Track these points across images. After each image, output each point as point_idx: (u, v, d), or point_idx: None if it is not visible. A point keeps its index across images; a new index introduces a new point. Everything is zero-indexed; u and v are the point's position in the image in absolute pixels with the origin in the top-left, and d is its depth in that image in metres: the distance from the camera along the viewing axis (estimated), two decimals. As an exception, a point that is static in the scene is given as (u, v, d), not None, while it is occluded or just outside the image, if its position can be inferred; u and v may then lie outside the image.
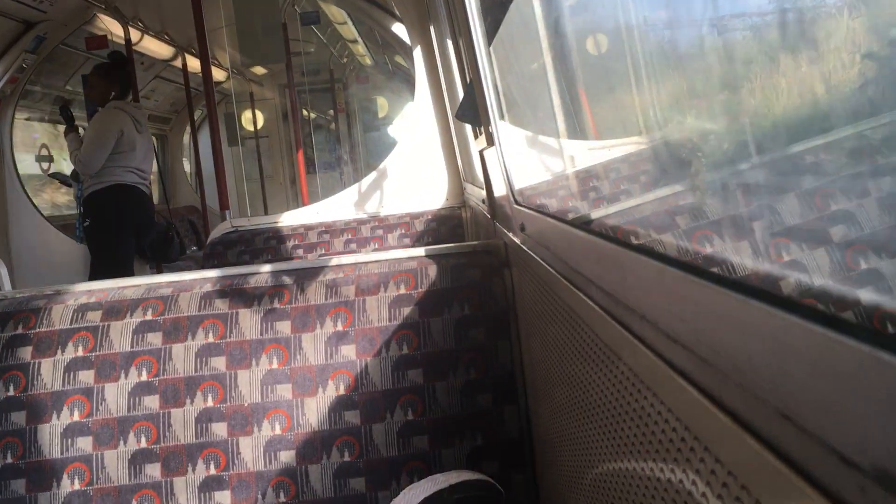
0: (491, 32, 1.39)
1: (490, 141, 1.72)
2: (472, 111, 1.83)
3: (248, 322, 1.70)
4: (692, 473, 0.52)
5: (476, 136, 2.10)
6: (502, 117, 1.66)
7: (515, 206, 1.52)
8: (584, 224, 0.90)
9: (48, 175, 6.22)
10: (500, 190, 1.82)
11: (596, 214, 0.96)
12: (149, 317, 1.71)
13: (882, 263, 0.47)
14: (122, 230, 4.79)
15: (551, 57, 1.51)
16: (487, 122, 1.71)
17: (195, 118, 7.80)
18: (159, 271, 5.86)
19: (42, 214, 5.57)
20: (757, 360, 0.41)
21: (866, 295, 0.36)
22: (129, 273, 4.87)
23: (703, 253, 0.57)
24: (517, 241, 1.56)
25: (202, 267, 3.80)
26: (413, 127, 4.04)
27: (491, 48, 1.57)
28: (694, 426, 0.51)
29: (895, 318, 0.33)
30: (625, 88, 1.23)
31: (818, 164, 0.59)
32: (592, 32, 1.44)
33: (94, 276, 4.79)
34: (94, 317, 1.71)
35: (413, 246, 3.66)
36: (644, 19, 1.15)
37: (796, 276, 0.43)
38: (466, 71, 2.21)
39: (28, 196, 5.44)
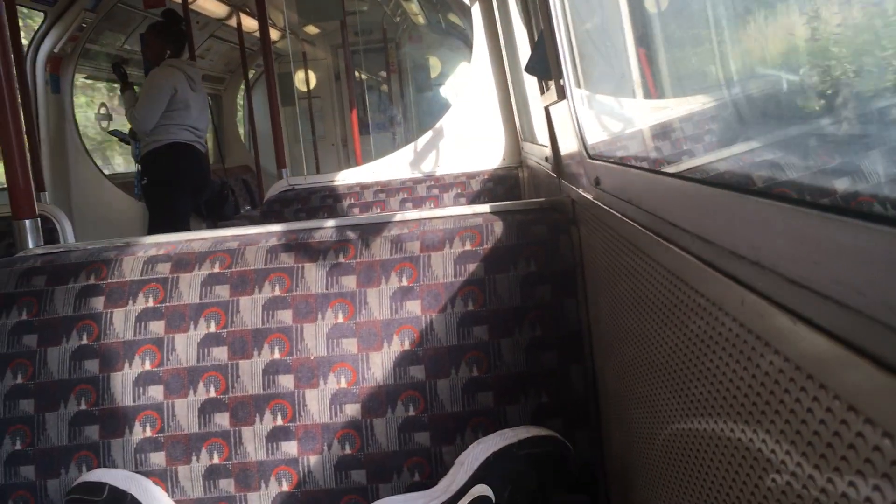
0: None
1: (561, 94, 1.68)
2: (542, 64, 1.78)
3: (314, 276, 1.70)
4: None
5: (543, 92, 2.06)
6: (575, 70, 1.62)
7: (589, 160, 1.48)
8: (678, 172, 0.87)
9: (107, 132, 6.32)
10: (569, 145, 1.79)
11: (688, 161, 0.92)
12: (216, 269, 1.73)
13: None
14: (178, 188, 4.86)
15: (626, 9, 1.47)
16: (559, 76, 1.67)
17: (249, 78, 7.84)
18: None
19: (103, 173, 5.68)
20: None
21: None
22: (186, 230, 4.95)
23: (827, 185, 0.53)
24: (589, 196, 1.53)
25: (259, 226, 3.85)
26: (469, 86, 4.00)
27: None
28: (822, 375, 0.48)
29: None
30: (705, 42, 1.18)
31: None
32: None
33: (151, 233, 4.89)
34: (164, 269, 1.73)
35: (470, 205, 3.64)
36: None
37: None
38: (534, 24, 2.16)
39: (89, 154, 5.54)
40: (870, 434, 0.44)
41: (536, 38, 2.05)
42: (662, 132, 1.34)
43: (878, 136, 0.56)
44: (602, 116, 1.66)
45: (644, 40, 1.46)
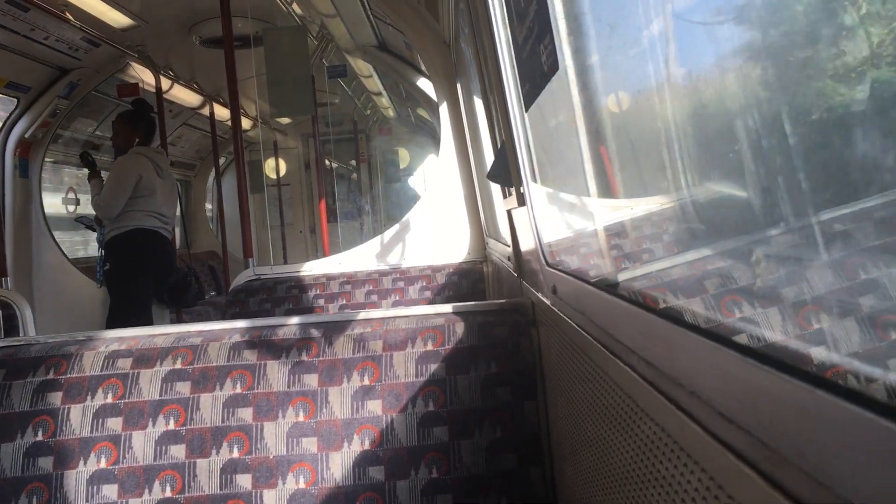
0: (529, 99, 1.42)
1: (521, 201, 1.74)
2: (504, 172, 1.85)
3: (276, 374, 1.71)
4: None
5: (505, 196, 2.13)
6: (534, 179, 1.68)
7: (547, 267, 1.53)
8: (622, 290, 0.91)
9: (74, 219, 6.31)
10: (528, 250, 1.84)
11: (633, 278, 0.97)
12: (178, 365, 1.72)
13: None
14: (140, 274, 4.84)
15: (584, 121, 1.54)
16: (519, 184, 1.73)
17: (219, 165, 7.92)
18: (178, 316, 5.89)
19: (67, 258, 5.64)
20: (823, 449, 0.42)
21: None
22: (146, 316, 4.91)
23: (759, 334, 0.58)
24: (547, 301, 1.57)
25: (224, 313, 3.83)
26: (436, 180, 4.09)
27: (527, 114, 1.60)
28: (742, 499, 0.51)
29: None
30: (658, 152, 1.25)
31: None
32: (627, 90, 1.47)
33: (111, 318, 4.84)
34: (125, 364, 1.73)
35: (434, 299, 3.68)
36: (673, 80, 1.18)
37: (864, 365, 0.44)
38: (497, 132, 2.25)
39: (54, 239, 5.52)
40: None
41: (499, 147, 2.13)
42: (616, 246, 1.39)
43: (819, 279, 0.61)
44: (560, 225, 1.72)
45: (599, 149, 1.53)
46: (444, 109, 3.97)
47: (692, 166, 1.16)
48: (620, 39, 1.47)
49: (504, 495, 1.64)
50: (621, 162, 1.46)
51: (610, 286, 1.00)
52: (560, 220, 1.74)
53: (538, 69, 1.14)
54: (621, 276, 1.04)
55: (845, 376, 0.43)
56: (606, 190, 1.49)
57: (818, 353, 0.46)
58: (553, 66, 1.05)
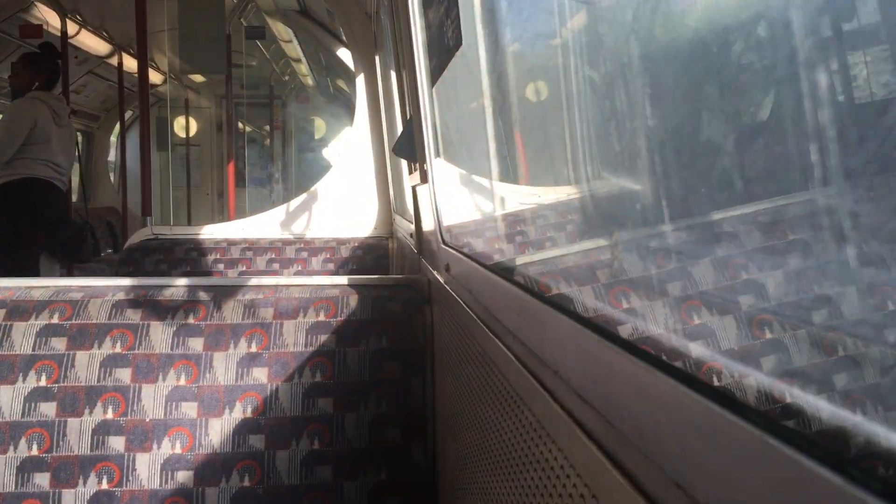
0: (435, 74, 1.41)
1: (424, 178, 1.74)
2: (409, 147, 1.84)
3: (159, 335, 1.66)
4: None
5: (410, 172, 2.12)
6: (438, 156, 1.68)
7: (443, 245, 1.54)
8: (507, 273, 0.92)
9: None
10: (428, 227, 1.84)
11: (519, 264, 0.98)
12: (55, 320, 1.65)
13: (788, 344, 0.50)
14: (30, 225, 4.62)
15: (490, 102, 1.55)
16: (423, 160, 1.73)
17: (125, 119, 7.61)
18: (69, 271, 5.66)
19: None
20: (658, 429, 0.43)
21: (764, 377, 0.39)
22: (33, 269, 4.69)
23: (618, 318, 0.59)
24: (441, 280, 1.58)
25: (116, 272, 3.70)
26: (348, 153, 4.05)
27: (434, 89, 1.60)
28: (593, 483, 0.53)
29: (787, 405, 0.35)
30: (560, 139, 1.27)
31: (737, 233, 0.62)
32: (534, 80, 1.49)
33: (-2, 268, 4.60)
34: None
35: (337, 272, 3.64)
36: (584, 70, 1.19)
37: (702, 351, 0.45)
38: (407, 107, 2.23)
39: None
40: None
41: (407, 121, 2.12)
42: (505, 226, 1.41)
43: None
44: (459, 202, 1.72)
45: (503, 132, 1.54)
46: (360, 81, 3.92)
47: (591, 160, 1.18)
48: (533, 25, 1.48)
49: (384, 470, 1.64)
50: (525, 149, 1.48)
51: (496, 267, 1.01)
52: (461, 200, 1.75)
53: (444, 44, 1.13)
54: (509, 260, 1.05)
55: (685, 362, 0.45)
56: (508, 176, 1.50)
57: (666, 340, 0.47)
58: (457, 41, 1.05)
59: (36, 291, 1.72)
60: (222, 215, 8.54)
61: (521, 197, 1.41)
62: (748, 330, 0.54)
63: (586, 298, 0.71)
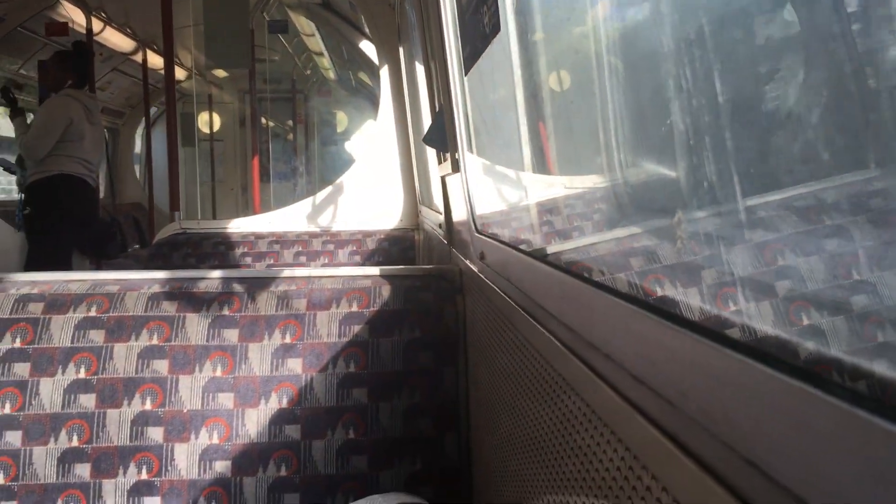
0: (469, 62, 1.41)
1: (455, 167, 1.74)
2: (440, 137, 1.84)
3: (195, 327, 1.67)
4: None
5: (440, 162, 2.11)
6: (470, 145, 1.68)
7: (476, 234, 1.53)
8: (549, 258, 0.92)
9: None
10: (460, 217, 1.84)
11: (561, 249, 0.97)
12: (93, 313, 1.67)
13: (864, 321, 0.49)
14: (62, 222, 4.66)
15: (523, 90, 1.54)
16: (455, 149, 1.73)
17: (150, 115, 7.68)
18: (98, 268, 5.72)
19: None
20: (727, 408, 0.42)
21: (845, 352, 0.38)
22: (66, 266, 4.74)
23: (673, 297, 0.58)
24: (474, 268, 1.57)
25: (146, 267, 3.73)
26: (373, 145, 4.05)
27: (466, 78, 1.59)
28: (656, 467, 0.52)
29: (874, 378, 0.34)
30: (594, 127, 1.26)
31: (807, 210, 0.61)
32: (565, 67, 1.48)
33: (29, 265, 4.65)
34: (36, 308, 1.67)
35: (363, 264, 3.65)
36: (615, 60, 1.18)
37: (774, 329, 0.44)
38: (436, 96, 2.23)
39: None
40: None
41: (437, 111, 2.11)
42: (544, 214, 1.40)
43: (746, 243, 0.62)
44: (492, 192, 1.72)
45: (536, 122, 1.54)
46: (384, 73, 3.92)
47: (626, 147, 1.17)
48: (567, 13, 1.47)
49: (419, 459, 1.65)
50: (558, 137, 1.47)
51: (536, 253, 1.00)
52: (493, 189, 1.75)
53: (479, 31, 1.13)
54: (549, 247, 1.05)
55: (754, 337, 0.44)
56: (541, 163, 1.50)
57: (728, 317, 0.46)
58: (494, 27, 1.04)
59: (73, 285, 1.74)
60: (247, 209, 8.59)
61: (556, 184, 1.41)
62: (830, 303, 0.54)
63: (638, 280, 0.70)
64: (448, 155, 1.88)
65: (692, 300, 0.57)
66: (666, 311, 0.55)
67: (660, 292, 0.62)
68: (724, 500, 0.41)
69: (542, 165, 1.52)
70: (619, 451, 0.61)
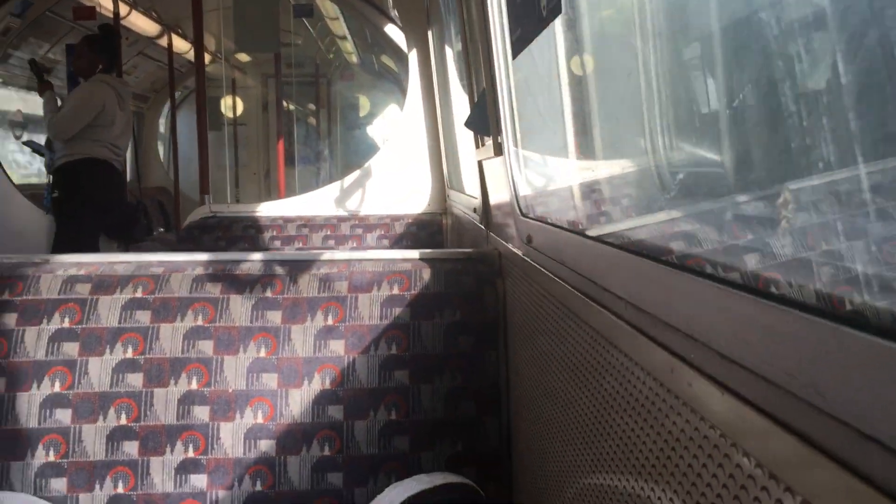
0: (519, 45, 1.40)
1: (498, 151, 1.74)
2: (482, 120, 1.84)
3: (239, 308, 1.69)
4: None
5: (478, 146, 2.11)
6: (513, 129, 1.68)
7: (522, 217, 1.54)
8: (614, 240, 0.92)
9: (23, 142, 6.09)
10: (500, 200, 1.84)
11: (625, 233, 0.97)
12: (139, 294, 1.69)
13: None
14: (90, 205, 4.71)
15: (567, 72, 1.53)
16: (497, 133, 1.72)
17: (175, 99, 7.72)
18: (125, 251, 5.78)
19: (12, 182, 5.45)
20: (840, 386, 0.43)
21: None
22: (93, 248, 4.79)
23: (761, 273, 0.58)
24: (518, 252, 1.58)
25: (176, 250, 3.76)
26: (400, 129, 4.05)
27: (514, 61, 1.59)
28: (765, 455, 0.52)
29: None
30: (640, 110, 1.26)
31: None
32: (609, 49, 1.47)
33: (56, 247, 4.70)
34: (83, 289, 1.69)
35: (391, 247, 3.67)
36: (659, 38, 1.18)
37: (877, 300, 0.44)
38: (475, 81, 2.22)
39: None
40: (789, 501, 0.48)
41: (478, 95, 2.11)
42: (599, 195, 1.40)
43: (822, 216, 0.62)
44: (536, 175, 1.72)
45: (581, 103, 1.53)
46: (413, 58, 3.91)
47: (677, 125, 1.17)
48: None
49: (460, 441, 1.66)
50: (602, 117, 1.47)
51: (597, 235, 1.01)
52: (539, 172, 1.74)
53: (535, 13, 1.12)
54: (606, 227, 1.05)
55: (861, 309, 0.44)
56: (587, 143, 1.49)
57: (831, 290, 0.47)
58: (554, 10, 1.04)
59: (119, 266, 1.77)
60: (269, 194, 8.63)
61: (606, 166, 1.40)
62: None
63: (717, 257, 0.70)
64: (487, 139, 1.88)
65: (785, 276, 0.57)
66: (754, 287, 0.55)
67: (745, 267, 0.62)
68: (841, 479, 0.41)
69: (588, 145, 1.51)
70: (702, 429, 0.62)
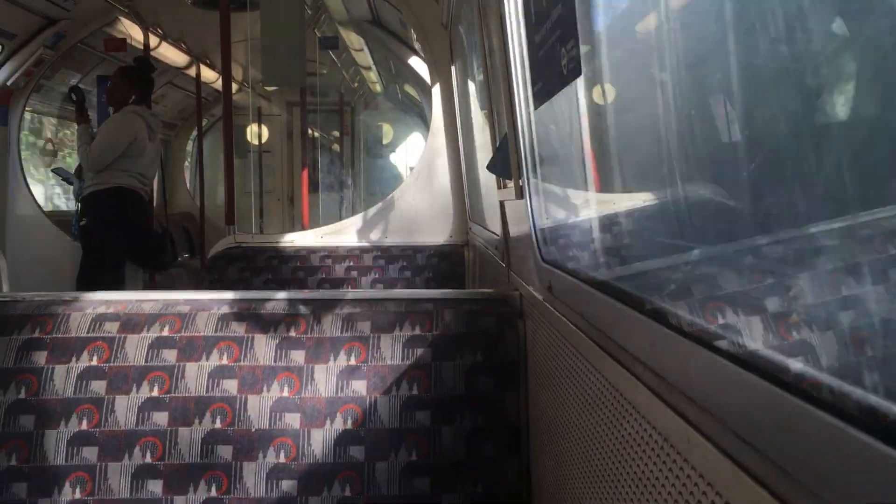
0: (540, 97, 1.42)
1: (519, 194, 1.76)
2: (504, 163, 1.87)
3: (263, 348, 1.72)
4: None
5: (500, 187, 2.14)
6: (535, 174, 1.70)
7: (543, 264, 1.55)
8: (632, 300, 0.93)
9: (52, 170, 6.20)
10: (522, 243, 1.86)
11: (646, 291, 0.98)
12: (165, 332, 1.72)
13: None
14: (117, 233, 4.78)
15: (586, 119, 1.55)
16: (518, 176, 1.75)
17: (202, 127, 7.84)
18: (151, 278, 5.85)
19: (42, 210, 5.55)
20: (850, 483, 0.44)
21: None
22: (118, 275, 4.85)
23: (782, 361, 0.59)
24: (539, 296, 1.59)
25: (202, 279, 3.81)
26: (423, 161, 4.10)
27: (534, 111, 1.61)
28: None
29: None
30: (662, 152, 1.27)
31: None
32: (629, 88, 1.48)
33: (83, 274, 4.78)
34: (112, 327, 1.72)
35: (413, 279, 3.69)
36: (678, 80, 1.19)
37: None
38: (496, 123, 2.25)
39: (30, 190, 5.42)
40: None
41: (500, 139, 2.14)
42: (622, 244, 1.41)
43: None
44: (558, 219, 1.73)
45: (604, 145, 1.54)
46: (436, 91, 3.96)
47: (700, 169, 1.18)
48: (624, 37, 1.48)
49: (480, 483, 1.67)
50: (623, 160, 1.48)
51: (613, 290, 1.02)
52: (560, 215, 1.76)
53: (555, 71, 1.15)
54: (626, 281, 1.06)
55: (884, 417, 0.45)
56: (609, 189, 1.51)
57: (852, 391, 0.47)
58: (573, 71, 1.06)
59: (146, 304, 1.80)
60: (293, 221, 8.71)
61: (628, 213, 1.41)
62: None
63: (736, 332, 0.72)
64: (509, 181, 1.90)
65: (803, 362, 0.58)
66: (769, 372, 0.56)
67: (762, 348, 0.64)
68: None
69: (610, 191, 1.52)
70: (700, 486, 0.63)
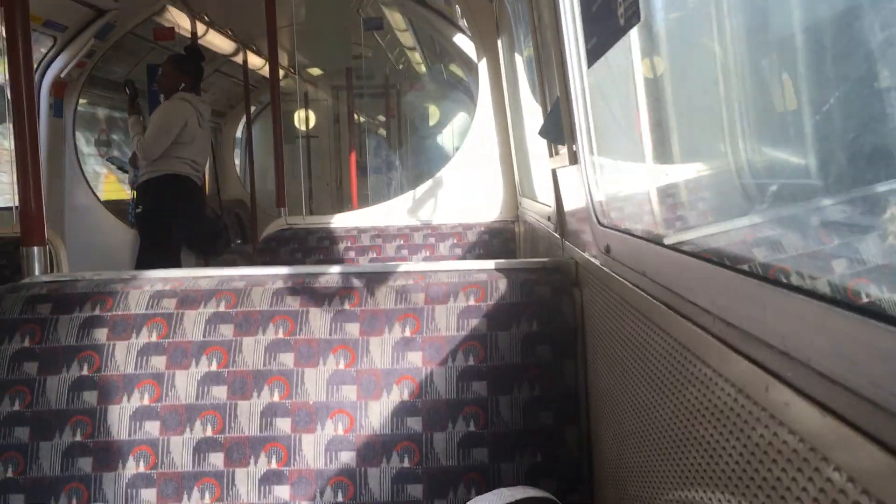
0: (594, 53, 1.39)
1: (573, 160, 1.72)
2: (556, 129, 1.83)
3: (318, 321, 1.72)
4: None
5: (552, 154, 2.10)
6: (589, 138, 1.66)
7: (599, 227, 1.52)
8: (696, 249, 0.90)
9: (106, 159, 6.34)
10: (576, 209, 1.82)
11: (707, 237, 0.95)
12: (222, 308, 1.74)
13: None
14: (172, 219, 4.88)
15: (642, 79, 1.51)
16: (573, 141, 1.71)
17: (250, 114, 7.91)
18: (206, 264, 5.95)
19: (98, 198, 5.68)
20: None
21: None
22: (175, 261, 4.95)
23: (872, 292, 0.56)
24: (596, 262, 1.56)
25: (254, 262, 3.85)
26: (471, 138, 4.07)
27: (588, 69, 1.57)
28: (847, 465, 0.50)
29: None
30: (719, 113, 1.23)
31: None
32: (688, 52, 1.44)
33: (140, 262, 4.89)
34: (169, 304, 1.74)
35: (464, 256, 3.68)
36: (737, 41, 1.15)
37: None
38: (548, 89, 2.21)
39: (86, 180, 5.55)
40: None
41: (551, 104, 2.10)
42: (679, 202, 1.37)
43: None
44: (612, 182, 1.69)
45: (659, 109, 1.50)
46: (483, 66, 3.92)
47: (759, 127, 1.13)
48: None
49: (539, 452, 1.65)
50: (680, 121, 1.44)
51: (680, 246, 0.98)
52: (616, 180, 1.72)
53: (612, 22, 1.11)
54: (688, 235, 1.02)
55: None
56: (665, 149, 1.47)
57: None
58: (631, 18, 1.02)
59: (202, 281, 1.82)
60: (342, 204, 8.76)
61: (684, 172, 1.37)
62: None
63: (814, 272, 0.68)
64: (562, 147, 1.86)
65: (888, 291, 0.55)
66: (855, 304, 0.53)
67: (842, 283, 0.60)
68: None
69: (666, 151, 1.49)
70: (801, 451, 0.59)
